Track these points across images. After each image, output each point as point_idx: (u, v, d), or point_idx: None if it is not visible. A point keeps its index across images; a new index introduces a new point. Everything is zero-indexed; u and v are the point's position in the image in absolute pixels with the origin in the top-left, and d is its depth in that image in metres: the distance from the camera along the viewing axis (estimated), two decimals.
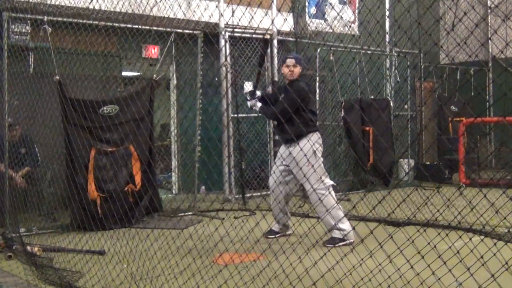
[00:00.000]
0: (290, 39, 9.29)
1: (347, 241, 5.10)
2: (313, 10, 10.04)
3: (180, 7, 7.56)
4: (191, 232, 5.03)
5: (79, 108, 6.18)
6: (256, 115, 8.88)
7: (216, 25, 8.45)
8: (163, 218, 6.96)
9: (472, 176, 9.44)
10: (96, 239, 5.24)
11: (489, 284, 2.67)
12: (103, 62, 7.65)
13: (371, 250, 2.97)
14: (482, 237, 4.39)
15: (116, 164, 6.44)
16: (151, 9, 7.01)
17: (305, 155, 4.91)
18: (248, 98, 5.48)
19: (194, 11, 7.71)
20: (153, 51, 8.62)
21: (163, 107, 9.20)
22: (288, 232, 5.71)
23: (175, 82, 9.08)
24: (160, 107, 9.00)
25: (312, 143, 5.14)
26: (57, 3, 6.86)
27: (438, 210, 3.47)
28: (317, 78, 9.11)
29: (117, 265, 4.25)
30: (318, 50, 9.16)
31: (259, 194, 8.55)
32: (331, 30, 9.41)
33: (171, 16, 7.43)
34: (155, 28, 7.34)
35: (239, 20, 4.38)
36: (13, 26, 6.47)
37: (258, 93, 5.52)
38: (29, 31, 6.60)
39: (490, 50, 11.88)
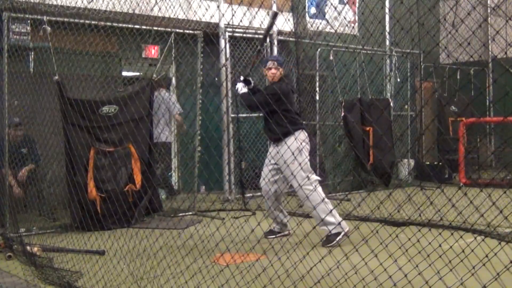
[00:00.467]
0: (290, 39, 9.28)
1: (342, 232, 5.09)
2: (313, 10, 10.03)
3: (182, 7, 7.55)
4: (192, 232, 5.02)
5: (79, 108, 6.16)
6: (256, 115, 8.88)
7: (217, 25, 8.44)
8: (163, 218, 6.95)
9: (472, 176, 9.43)
10: (96, 239, 5.24)
11: (491, 283, 2.67)
12: (103, 62, 7.64)
13: (372, 250, 2.96)
14: (482, 237, 4.38)
15: (115, 164, 6.43)
16: (152, 9, 7.00)
17: (293, 153, 4.95)
18: (241, 79, 5.52)
19: (195, 12, 7.70)
20: (153, 51, 8.61)
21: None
22: (286, 232, 5.70)
23: (175, 82, 9.07)
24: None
25: (299, 141, 5.19)
26: (57, 3, 6.86)
27: (438, 211, 3.46)
28: (317, 78, 9.11)
29: (117, 265, 4.24)
30: (318, 50, 9.15)
31: (259, 194, 8.54)
32: (331, 30, 9.40)
33: (171, 16, 7.42)
34: (155, 28, 7.33)
35: (241, 21, 4.35)
36: (13, 26, 6.46)
37: (250, 80, 5.54)
38: (29, 31, 6.59)
39: (490, 50, 11.87)
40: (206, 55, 7.75)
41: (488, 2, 11.42)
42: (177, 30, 7.44)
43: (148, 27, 7.29)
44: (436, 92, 11.60)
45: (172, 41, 7.28)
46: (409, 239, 3.12)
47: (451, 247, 3.11)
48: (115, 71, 7.94)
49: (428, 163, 10.73)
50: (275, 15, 5.37)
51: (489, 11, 11.18)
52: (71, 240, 5.44)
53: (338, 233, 5.11)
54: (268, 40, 9.00)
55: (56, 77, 6.15)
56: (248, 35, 8.82)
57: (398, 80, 10.55)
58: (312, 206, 5.04)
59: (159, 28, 7.39)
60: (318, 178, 5.36)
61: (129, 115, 6.48)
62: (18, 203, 6.31)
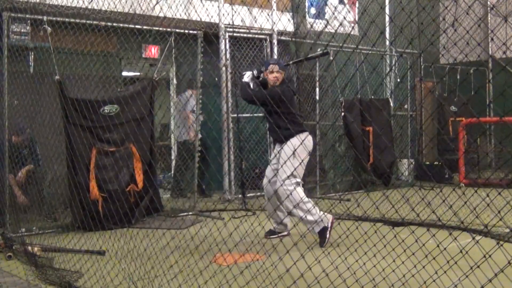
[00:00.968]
0: (291, 39, 9.29)
1: (328, 224, 5.10)
2: (313, 10, 10.04)
3: (182, 7, 7.56)
4: (192, 232, 5.03)
5: (80, 108, 6.17)
6: (257, 115, 8.90)
7: (217, 25, 8.45)
8: (163, 218, 6.96)
9: (471, 176, 9.44)
10: (97, 239, 5.25)
11: (489, 283, 2.68)
12: (103, 62, 7.65)
13: (369, 249, 2.97)
14: (480, 237, 4.39)
15: (117, 164, 6.44)
16: (152, 9, 7.01)
17: (294, 152, 4.91)
18: (254, 74, 5.49)
19: (195, 11, 7.71)
20: (154, 51, 8.62)
21: (163, 107, 9.20)
22: (286, 232, 5.71)
23: (175, 82, 9.08)
24: (161, 107, 9.00)
25: (303, 144, 5.11)
26: (57, 3, 6.87)
27: (433, 212, 3.47)
28: (317, 78, 9.12)
29: (117, 265, 4.25)
30: (318, 50, 9.15)
31: (259, 194, 8.55)
32: (331, 30, 9.41)
33: (172, 16, 7.43)
34: (155, 28, 7.34)
35: (242, 21, 4.36)
36: (13, 26, 6.47)
37: (261, 76, 5.54)
38: (29, 31, 6.60)
39: (490, 49, 11.88)
40: (206, 55, 7.76)
41: (488, 2, 11.41)
42: (177, 30, 7.45)
43: (148, 27, 7.30)
44: (436, 92, 11.61)
45: (172, 41, 7.29)
46: (403, 240, 3.13)
47: (445, 248, 3.11)
48: (115, 71, 7.95)
49: (427, 163, 10.74)
50: (324, 54, 5.65)
51: (488, 10, 11.18)
52: (71, 240, 5.46)
53: (325, 228, 5.10)
54: (268, 40, 9.02)
55: (57, 77, 6.16)
56: (249, 35, 8.83)
57: (398, 80, 10.56)
58: (291, 206, 5.09)
59: (159, 28, 7.40)
60: (300, 181, 5.32)
61: (131, 115, 6.49)
62: (22, 209, 6.34)
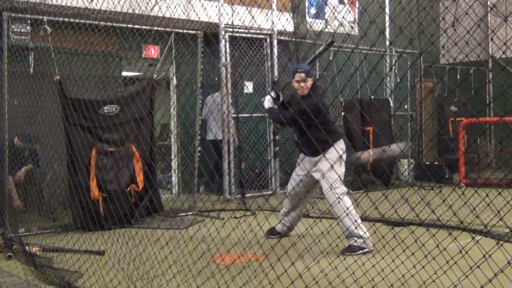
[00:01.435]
0: (291, 39, 9.29)
1: (366, 249, 4.91)
2: (313, 10, 10.04)
3: (182, 7, 7.56)
4: (191, 232, 5.03)
5: (80, 108, 6.17)
6: (257, 115, 8.90)
7: (216, 25, 8.45)
8: (163, 218, 6.96)
9: (471, 176, 9.44)
10: (96, 239, 5.25)
11: (489, 283, 2.68)
12: (103, 62, 7.65)
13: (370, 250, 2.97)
14: (480, 237, 4.39)
15: (117, 164, 6.44)
16: (151, 9, 7.01)
17: (331, 164, 4.67)
18: (273, 96, 5.24)
19: (194, 11, 7.71)
20: (153, 51, 8.62)
21: (163, 107, 9.20)
22: (288, 234, 5.71)
23: (175, 82, 9.08)
24: (160, 107, 9.01)
25: (338, 150, 5.00)
26: (57, 3, 6.87)
27: (432, 211, 3.47)
28: (317, 78, 9.11)
29: (116, 265, 4.25)
30: (318, 50, 9.15)
31: (259, 194, 8.55)
32: (331, 30, 9.40)
33: (171, 16, 7.43)
34: (155, 28, 7.34)
35: (242, 21, 4.35)
36: (13, 26, 6.47)
37: (280, 95, 5.33)
38: (29, 31, 6.60)
39: (490, 49, 11.88)
40: (206, 55, 7.76)
41: (488, 2, 11.41)
42: (177, 30, 7.45)
43: (148, 27, 7.30)
44: (436, 92, 11.60)
45: (172, 41, 7.29)
46: (402, 240, 3.13)
47: (445, 248, 3.11)
48: (115, 71, 7.95)
49: (427, 163, 10.73)
50: (331, 44, 5.25)
51: (488, 10, 11.18)
52: (71, 240, 5.46)
53: (362, 248, 4.93)
54: (268, 40, 9.02)
55: (57, 77, 6.16)
56: (248, 35, 8.83)
57: (398, 80, 10.55)
58: (342, 211, 4.82)
59: (159, 28, 7.40)
60: (347, 190, 5.16)
61: (130, 115, 6.49)
62: (19, 211, 6.36)
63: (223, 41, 8.48)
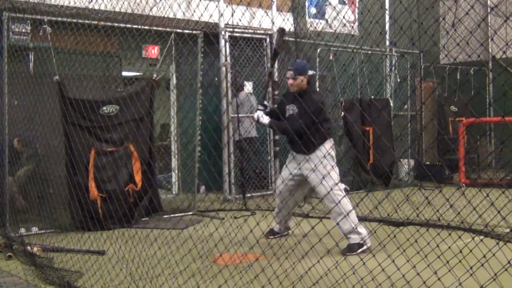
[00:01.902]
0: (290, 39, 9.28)
1: (365, 247, 4.92)
2: (313, 10, 10.04)
3: (180, 7, 7.55)
4: (191, 232, 5.03)
5: (79, 108, 6.17)
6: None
7: (216, 25, 8.45)
8: (163, 218, 6.96)
9: (472, 176, 9.44)
10: (96, 239, 5.24)
11: (490, 283, 2.68)
12: (103, 62, 7.65)
13: (370, 250, 2.97)
14: (481, 237, 4.39)
15: (116, 164, 6.44)
16: (151, 9, 7.00)
17: (322, 161, 4.81)
18: (260, 108, 5.35)
19: (194, 11, 7.71)
20: (153, 51, 8.62)
21: (163, 107, 9.20)
22: (286, 233, 5.70)
23: (175, 82, 9.08)
24: (160, 107, 9.01)
25: (327, 149, 5.05)
26: (57, 3, 6.86)
27: (437, 211, 3.47)
28: (317, 78, 9.12)
29: (116, 264, 4.25)
30: (318, 50, 9.16)
31: (259, 194, 8.55)
32: (331, 30, 9.41)
33: (171, 16, 7.42)
34: (155, 28, 7.34)
35: (239, 20, 4.35)
36: (13, 26, 6.47)
37: (268, 104, 5.40)
38: (29, 31, 6.60)
39: (490, 50, 11.88)
40: (205, 55, 7.76)
41: (488, 2, 11.41)
42: (177, 30, 7.44)
43: (148, 27, 7.30)
44: (436, 92, 11.60)
45: (172, 41, 7.29)
46: (408, 239, 3.13)
47: (449, 247, 3.11)
48: (115, 71, 7.95)
49: (428, 163, 10.73)
50: (282, 32, 5.20)
51: (488, 10, 11.18)
52: (71, 240, 5.46)
53: (361, 245, 4.93)
54: (268, 40, 9.02)
55: (57, 77, 6.16)
56: (248, 35, 8.83)
57: (398, 80, 10.55)
58: (340, 212, 4.85)
59: (159, 28, 7.40)
60: (346, 186, 5.20)
61: (130, 115, 6.49)
62: (21, 209, 6.36)
63: (223, 41, 8.48)
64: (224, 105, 8.51)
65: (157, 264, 4.24)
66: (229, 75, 8.52)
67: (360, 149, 9.16)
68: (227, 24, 8.39)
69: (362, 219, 5.86)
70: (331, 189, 4.82)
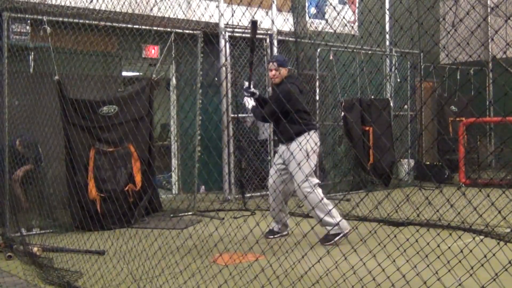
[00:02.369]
0: (290, 39, 9.29)
1: (342, 233, 5.13)
2: (313, 10, 10.04)
3: (181, 7, 7.55)
4: (191, 232, 5.03)
5: (79, 108, 6.17)
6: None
7: (216, 25, 8.44)
8: (162, 218, 6.96)
9: (472, 176, 9.43)
10: (96, 239, 5.24)
11: (490, 283, 2.67)
12: (103, 62, 7.65)
13: (371, 250, 2.97)
14: (482, 237, 4.39)
15: (115, 164, 6.44)
16: (151, 9, 7.00)
17: (302, 152, 4.97)
18: (246, 94, 5.52)
19: (194, 11, 7.71)
20: (153, 51, 8.62)
21: (163, 107, 9.20)
22: (285, 232, 5.71)
23: (175, 82, 9.08)
24: (160, 107, 9.01)
25: (310, 142, 5.14)
26: (57, 3, 6.86)
27: (437, 211, 3.47)
28: (317, 78, 9.12)
29: (117, 265, 4.25)
30: (318, 50, 9.15)
31: (259, 194, 8.54)
32: (331, 30, 9.41)
33: (171, 16, 7.42)
34: (155, 28, 7.34)
35: (239, 20, 4.34)
36: (13, 26, 6.47)
37: (255, 91, 5.51)
38: (29, 31, 6.60)
39: (490, 50, 11.88)
40: (205, 55, 7.76)
41: (488, 2, 11.41)
42: (177, 30, 7.45)
43: (148, 27, 7.29)
44: (436, 92, 11.60)
45: (172, 41, 7.29)
46: (407, 239, 3.13)
47: (450, 247, 3.11)
48: (115, 71, 7.94)
49: (428, 163, 10.72)
50: (254, 24, 5.27)
51: (489, 11, 11.18)
52: (71, 240, 5.45)
53: (337, 234, 5.15)
54: (268, 40, 9.01)
55: (56, 77, 6.16)
56: (248, 35, 8.81)
57: (398, 80, 10.55)
58: (311, 206, 5.06)
59: (159, 28, 7.40)
60: (318, 181, 5.34)
61: (129, 115, 6.49)
62: (24, 209, 6.36)
63: (223, 41, 8.47)
64: (224, 105, 8.51)
65: (157, 264, 4.24)
66: (229, 75, 8.52)
67: (360, 149, 9.15)
68: (227, 24, 8.39)
69: (362, 219, 5.87)
70: (299, 185, 5.04)
